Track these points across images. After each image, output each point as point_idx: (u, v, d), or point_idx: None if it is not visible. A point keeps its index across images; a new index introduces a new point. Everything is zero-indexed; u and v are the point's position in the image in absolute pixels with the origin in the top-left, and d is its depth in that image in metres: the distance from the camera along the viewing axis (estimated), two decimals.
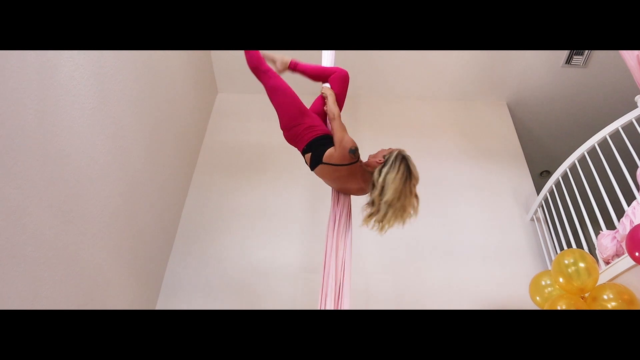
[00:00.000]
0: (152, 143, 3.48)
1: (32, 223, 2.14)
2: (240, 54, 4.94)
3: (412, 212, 2.29)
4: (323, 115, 2.66)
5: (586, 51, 4.71)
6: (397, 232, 4.12)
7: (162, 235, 3.76)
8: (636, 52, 2.83)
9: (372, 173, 2.29)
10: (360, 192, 2.47)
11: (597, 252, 3.07)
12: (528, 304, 3.14)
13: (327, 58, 2.99)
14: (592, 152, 3.52)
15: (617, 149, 3.28)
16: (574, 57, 4.78)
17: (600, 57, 4.76)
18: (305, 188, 4.29)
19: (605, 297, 2.57)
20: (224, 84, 5.15)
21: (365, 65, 4.95)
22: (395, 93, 5.22)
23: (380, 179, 2.21)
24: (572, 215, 3.62)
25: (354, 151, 2.28)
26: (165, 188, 3.79)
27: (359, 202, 2.39)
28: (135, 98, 3.16)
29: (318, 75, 2.81)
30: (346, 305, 2.07)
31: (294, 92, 2.60)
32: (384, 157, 2.31)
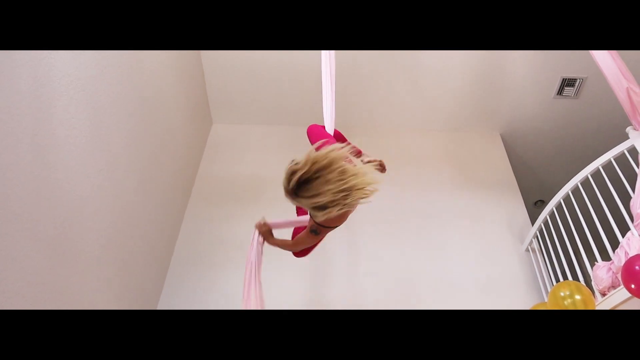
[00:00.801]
0: (146, 175, 3.47)
1: (22, 257, 2.11)
2: (235, 85, 4.99)
3: None
4: None
5: (577, 82, 4.77)
6: (391, 263, 4.10)
7: (155, 268, 3.72)
8: (626, 84, 2.87)
9: None
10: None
11: (592, 283, 3.05)
12: None
13: (326, 59, 2.94)
14: (585, 182, 3.53)
15: (610, 180, 3.30)
16: (566, 88, 4.84)
17: (591, 89, 4.83)
18: None
19: None
20: (219, 115, 5.18)
21: (358, 97, 5.00)
22: (389, 124, 5.25)
23: None
24: (567, 246, 3.62)
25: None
26: (159, 220, 3.76)
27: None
28: (129, 130, 3.17)
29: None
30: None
31: None
32: None
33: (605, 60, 2.93)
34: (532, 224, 4.27)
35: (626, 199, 3.07)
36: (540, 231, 4.05)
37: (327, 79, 2.87)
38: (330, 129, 2.75)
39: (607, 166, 3.35)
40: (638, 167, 2.98)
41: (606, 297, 2.80)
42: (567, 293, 2.71)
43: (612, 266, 2.87)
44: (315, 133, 2.68)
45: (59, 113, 2.37)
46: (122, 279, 3.11)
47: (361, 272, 4.00)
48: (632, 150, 3.13)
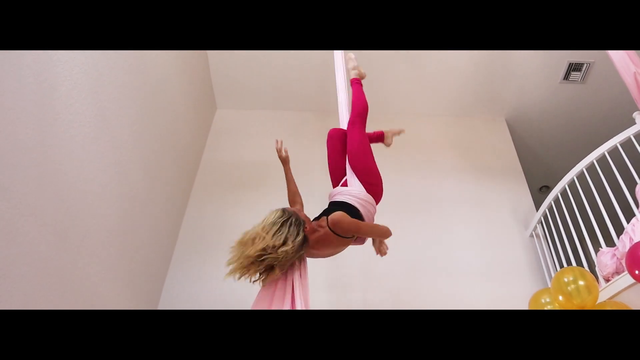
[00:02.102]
0: (151, 160, 3.48)
1: (27, 242, 2.12)
2: (239, 70, 4.97)
3: None
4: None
5: (584, 67, 4.73)
6: (395, 249, 4.11)
7: (160, 253, 3.74)
8: (633, 69, 2.84)
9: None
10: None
11: (596, 269, 3.05)
12: None
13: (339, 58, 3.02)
14: (591, 168, 3.52)
15: (615, 166, 3.28)
16: (572, 73, 4.80)
17: (598, 74, 4.79)
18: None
19: None
20: (223, 100, 5.17)
21: (363, 83, 4.97)
22: (394, 110, 5.22)
23: None
24: (571, 232, 3.61)
25: None
26: (163, 205, 3.77)
27: None
28: (133, 115, 3.16)
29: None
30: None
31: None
32: None
33: None
34: (537, 210, 4.26)
35: (632, 185, 3.06)
36: (545, 217, 4.05)
37: (341, 77, 2.92)
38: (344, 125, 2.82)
39: (613, 152, 3.33)
40: None
41: (610, 283, 2.80)
42: (571, 279, 2.71)
43: (616, 252, 2.87)
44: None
45: (63, 97, 2.37)
46: (127, 264, 3.13)
47: (363, 256, 4.00)
48: (639, 136, 3.11)
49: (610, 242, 3.08)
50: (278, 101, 5.12)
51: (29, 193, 2.11)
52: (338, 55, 3.04)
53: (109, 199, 2.87)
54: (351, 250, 4.05)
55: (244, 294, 3.76)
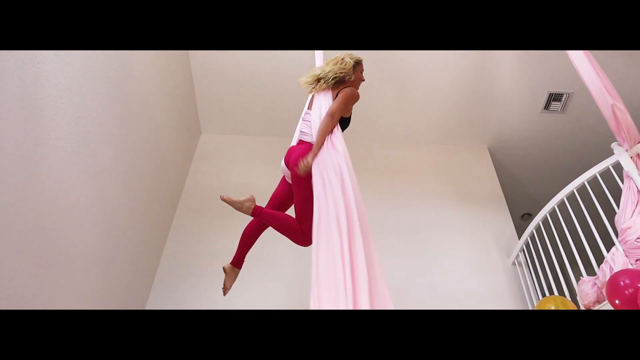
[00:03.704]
0: (133, 186, 3.45)
1: (4, 269, 2.08)
2: (224, 95, 4.97)
3: None
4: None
5: (564, 97, 4.83)
6: None
7: (140, 279, 3.69)
8: (610, 101, 2.91)
9: None
10: None
11: (578, 298, 3.07)
12: None
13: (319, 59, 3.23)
14: (571, 197, 3.56)
15: (595, 195, 3.33)
16: (552, 103, 4.90)
17: (577, 104, 4.88)
18: None
19: None
20: (208, 125, 5.17)
21: None
22: (377, 137, 5.27)
23: None
24: (552, 260, 3.64)
25: None
26: (146, 231, 3.73)
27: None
28: (116, 140, 3.15)
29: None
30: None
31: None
32: None
33: (591, 76, 2.97)
34: (519, 237, 4.29)
35: (611, 214, 3.10)
36: (527, 245, 4.08)
37: None
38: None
39: (593, 181, 3.39)
40: (622, 183, 3.01)
41: None
42: (553, 307, 2.72)
43: (597, 281, 2.89)
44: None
45: (46, 123, 2.35)
46: (107, 290, 3.08)
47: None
48: (617, 166, 3.17)
49: (591, 271, 3.10)
50: (263, 127, 5.14)
51: (7, 220, 2.08)
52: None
53: (91, 224, 2.83)
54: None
55: None
